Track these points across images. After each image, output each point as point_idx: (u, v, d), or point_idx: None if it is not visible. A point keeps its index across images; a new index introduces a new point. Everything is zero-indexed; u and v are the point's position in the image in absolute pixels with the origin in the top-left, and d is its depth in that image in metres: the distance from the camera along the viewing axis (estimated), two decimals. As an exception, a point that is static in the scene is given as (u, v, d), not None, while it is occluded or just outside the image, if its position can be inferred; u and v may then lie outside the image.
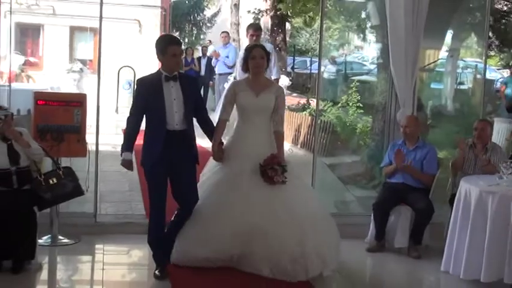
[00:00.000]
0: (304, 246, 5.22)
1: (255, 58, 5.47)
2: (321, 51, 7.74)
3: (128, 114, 5.20)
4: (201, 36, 24.43)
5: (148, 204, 5.37)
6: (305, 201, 5.56)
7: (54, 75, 12.93)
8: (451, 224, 5.71)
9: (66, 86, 11.84)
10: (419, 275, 5.98)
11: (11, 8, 7.79)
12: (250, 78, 5.62)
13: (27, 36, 15.04)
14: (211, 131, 5.49)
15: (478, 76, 12.95)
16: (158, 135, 5.09)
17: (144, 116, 5.18)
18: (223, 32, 14.64)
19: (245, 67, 5.63)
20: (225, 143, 5.64)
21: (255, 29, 8.55)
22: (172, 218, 5.39)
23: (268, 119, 5.57)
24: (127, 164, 5.22)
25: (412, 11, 6.70)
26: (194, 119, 5.39)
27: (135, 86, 5.32)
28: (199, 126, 5.50)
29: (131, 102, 5.32)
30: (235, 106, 5.61)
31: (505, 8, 16.26)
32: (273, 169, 5.27)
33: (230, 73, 13.31)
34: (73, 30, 14.88)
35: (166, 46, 5.08)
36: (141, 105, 5.12)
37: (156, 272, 5.21)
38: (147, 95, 5.11)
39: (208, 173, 5.68)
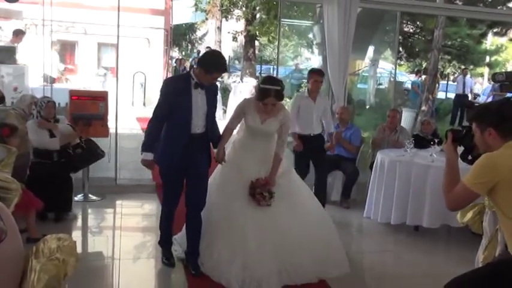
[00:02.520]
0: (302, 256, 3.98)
1: (266, 105, 4.03)
2: (278, 61, 7.72)
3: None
4: (194, 51, 24.20)
5: (161, 201, 4.22)
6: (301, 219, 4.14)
7: (85, 78, 12.72)
8: (370, 183, 5.79)
9: (95, 86, 11.64)
10: (349, 219, 6.02)
11: (51, 28, 7.64)
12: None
13: (65, 49, 14.75)
14: (216, 137, 4.13)
15: (392, 79, 13.02)
16: (181, 137, 3.85)
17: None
18: (207, 47, 14.55)
19: (258, 98, 4.09)
20: (230, 147, 4.34)
21: (319, 74, 5.80)
22: (185, 225, 4.18)
23: (271, 139, 4.21)
24: (147, 164, 3.97)
25: (344, 33, 6.68)
26: None
27: (163, 86, 3.99)
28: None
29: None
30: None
31: (411, 30, 16.37)
32: (261, 195, 4.02)
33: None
34: (100, 45, 14.67)
35: (212, 70, 3.80)
36: (168, 105, 3.85)
37: (164, 259, 4.20)
38: (174, 97, 3.84)
39: (215, 175, 4.30)
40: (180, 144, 3.86)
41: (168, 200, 4.10)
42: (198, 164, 3.96)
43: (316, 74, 5.75)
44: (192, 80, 3.87)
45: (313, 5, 8.66)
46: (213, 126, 4.10)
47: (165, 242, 4.29)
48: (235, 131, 4.39)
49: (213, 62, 3.85)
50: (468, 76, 14.40)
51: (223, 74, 7.10)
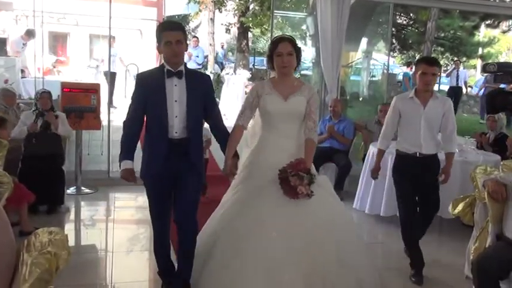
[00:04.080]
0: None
1: (281, 55, 3.30)
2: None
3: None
4: (187, 42, 24.13)
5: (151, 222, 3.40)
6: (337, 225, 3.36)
7: (77, 70, 12.66)
8: (362, 175, 5.79)
9: (86, 78, 11.58)
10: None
11: (42, 20, 7.61)
12: (276, 78, 3.43)
13: (57, 41, 14.66)
14: (224, 140, 3.36)
15: (385, 71, 13.04)
16: (158, 144, 3.17)
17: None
18: (193, 37, 14.31)
19: (270, 65, 3.41)
20: (246, 157, 3.49)
21: (429, 63, 3.89)
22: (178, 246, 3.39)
23: (298, 127, 3.40)
24: (127, 174, 3.20)
25: (337, 24, 6.71)
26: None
27: (135, 83, 3.35)
28: (212, 134, 3.50)
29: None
30: (257, 112, 3.46)
31: (404, 22, 16.40)
32: (298, 176, 3.04)
33: (200, 69, 13.12)
34: (91, 37, 14.59)
35: (160, 33, 3.15)
36: (140, 105, 3.18)
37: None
38: (146, 94, 3.17)
39: (230, 193, 3.53)
40: (158, 152, 3.18)
41: (156, 218, 3.35)
42: (182, 179, 3.22)
43: (424, 64, 3.87)
44: (164, 68, 3.18)
45: (306, -4, 8.63)
46: (218, 126, 3.40)
47: (165, 271, 3.49)
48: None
49: (158, 27, 3.28)
50: (462, 68, 14.45)
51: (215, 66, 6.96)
